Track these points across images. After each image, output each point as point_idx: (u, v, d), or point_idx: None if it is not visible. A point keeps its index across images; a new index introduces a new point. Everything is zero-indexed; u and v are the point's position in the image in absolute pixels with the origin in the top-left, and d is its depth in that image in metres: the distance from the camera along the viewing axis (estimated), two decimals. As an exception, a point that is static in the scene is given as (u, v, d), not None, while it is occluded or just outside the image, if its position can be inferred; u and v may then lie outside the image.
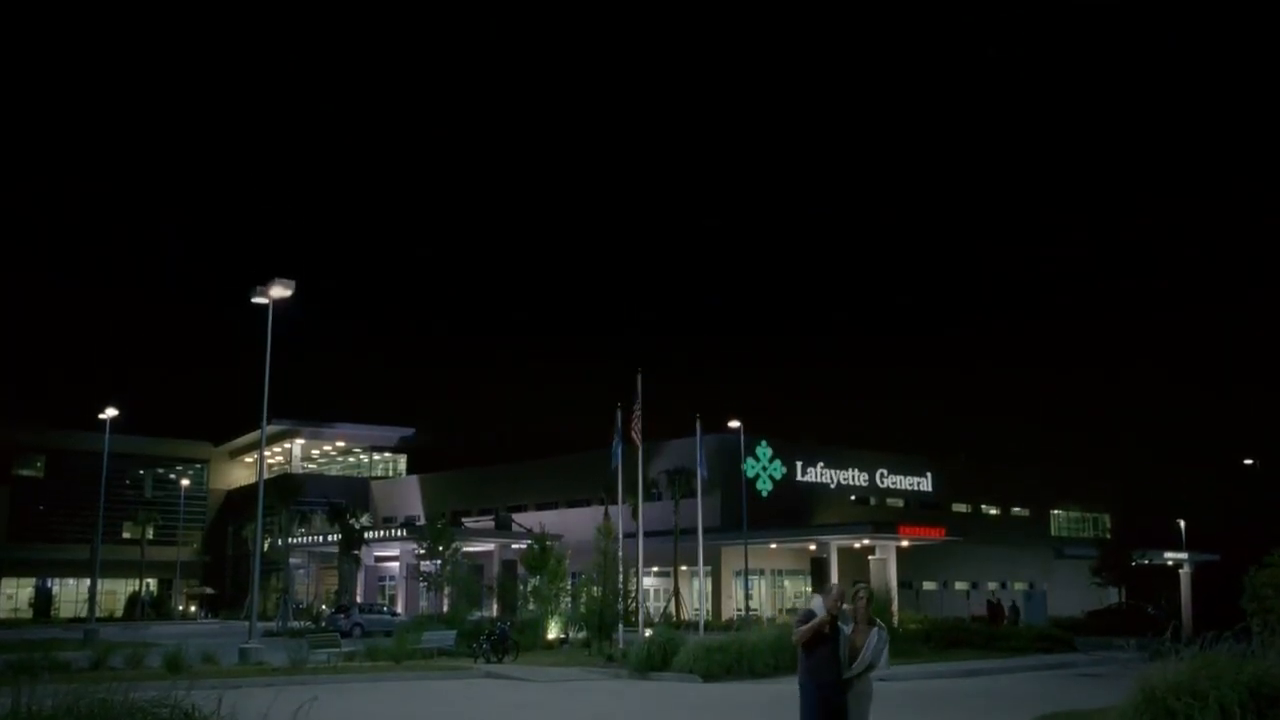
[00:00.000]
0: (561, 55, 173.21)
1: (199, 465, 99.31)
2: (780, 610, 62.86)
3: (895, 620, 41.31)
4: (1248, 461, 79.50)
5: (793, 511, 65.88)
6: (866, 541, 59.73)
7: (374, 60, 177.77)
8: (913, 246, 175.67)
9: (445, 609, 56.10)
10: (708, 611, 56.75)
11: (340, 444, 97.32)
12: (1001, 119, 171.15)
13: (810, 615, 10.63)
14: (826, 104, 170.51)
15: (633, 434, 37.48)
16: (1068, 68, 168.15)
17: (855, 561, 60.45)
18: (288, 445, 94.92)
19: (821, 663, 10.51)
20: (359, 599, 67.59)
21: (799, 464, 68.66)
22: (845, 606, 10.71)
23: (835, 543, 59.86)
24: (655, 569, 61.69)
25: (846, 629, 10.61)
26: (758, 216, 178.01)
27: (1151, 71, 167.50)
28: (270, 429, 68.75)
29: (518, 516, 71.56)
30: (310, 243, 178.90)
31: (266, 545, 71.76)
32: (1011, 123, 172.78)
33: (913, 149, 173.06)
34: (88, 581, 66.71)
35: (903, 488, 74.42)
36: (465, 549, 63.43)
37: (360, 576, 70.75)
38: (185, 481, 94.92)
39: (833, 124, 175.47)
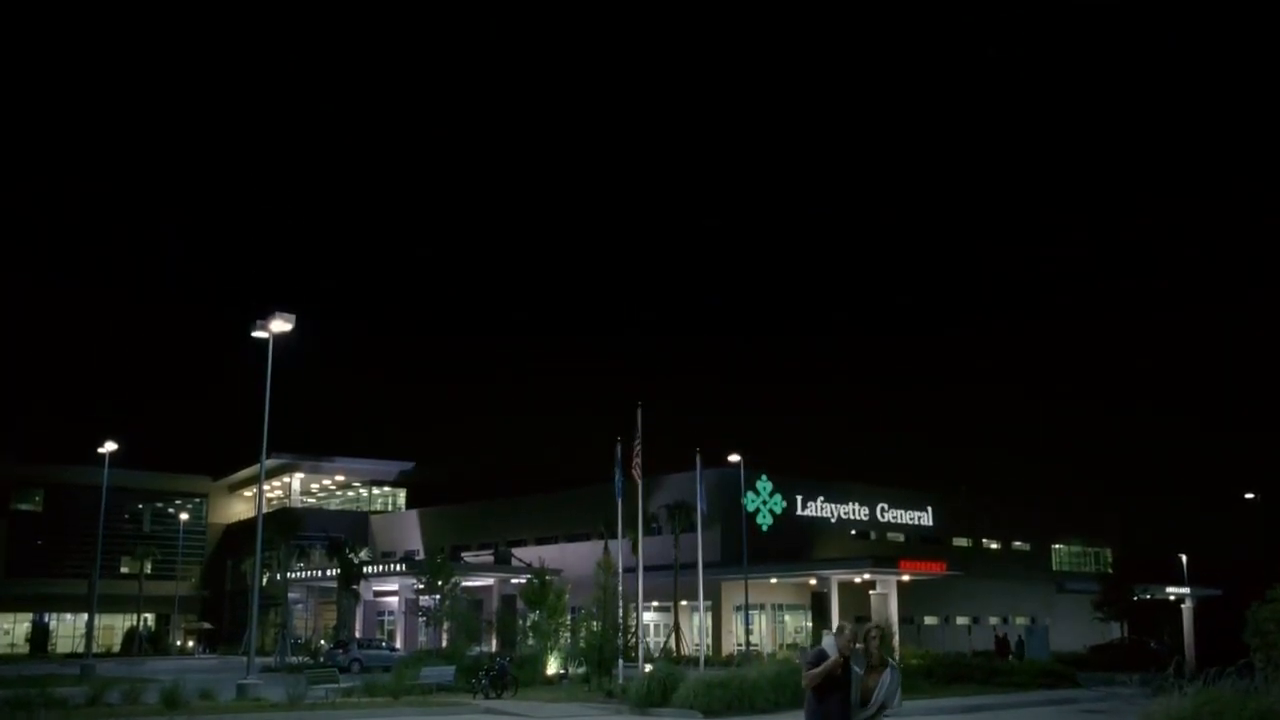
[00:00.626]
0: (561, 57, 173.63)
1: (198, 499, 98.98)
2: (781, 645, 62.54)
3: (897, 655, 41.10)
4: (1249, 495, 79.36)
5: (793, 546, 65.63)
6: (867, 576, 59.48)
7: (374, 63, 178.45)
8: (913, 246, 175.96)
9: (444, 644, 55.78)
10: (708, 647, 56.47)
11: (339, 478, 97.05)
12: (1001, 119, 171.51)
13: (822, 656, 10.37)
14: (826, 104, 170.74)
15: (633, 470, 37.42)
16: (1068, 68, 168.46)
17: (856, 596, 60.18)
18: (287, 479, 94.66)
19: (833, 707, 10.26)
20: (358, 634, 67.25)
21: (799, 498, 68.49)
22: (858, 646, 10.45)
23: (836, 577, 59.62)
24: (655, 604, 61.39)
25: (859, 670, 10.37)
26: (758, 216, 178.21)
27: (1151, 71, 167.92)
28: (269, 463, 68.64)
29: (517, 551, 71.29)
30: (307, 248, 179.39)
31: (265, 580, 71.44)
32: (1011, 123, 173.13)
33: (913, 149, 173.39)
34: (85, 616, 66.37)
35: (903, 522, 74.20)
36: (464, 584, 63.13)
37: (359, 611, 70.41)
38: (184, 516, 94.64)
39: (832, 124, 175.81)
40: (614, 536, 44.82)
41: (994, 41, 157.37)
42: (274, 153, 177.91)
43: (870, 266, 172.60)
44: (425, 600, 58.43)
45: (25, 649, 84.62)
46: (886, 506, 73.28)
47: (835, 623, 56.85)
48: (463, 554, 74.48)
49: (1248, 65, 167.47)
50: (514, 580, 64.98)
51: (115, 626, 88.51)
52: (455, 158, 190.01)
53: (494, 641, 60.24)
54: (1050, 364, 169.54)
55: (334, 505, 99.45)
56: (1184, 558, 75.66)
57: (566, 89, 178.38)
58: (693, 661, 45.60)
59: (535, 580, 42.72)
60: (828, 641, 10.53)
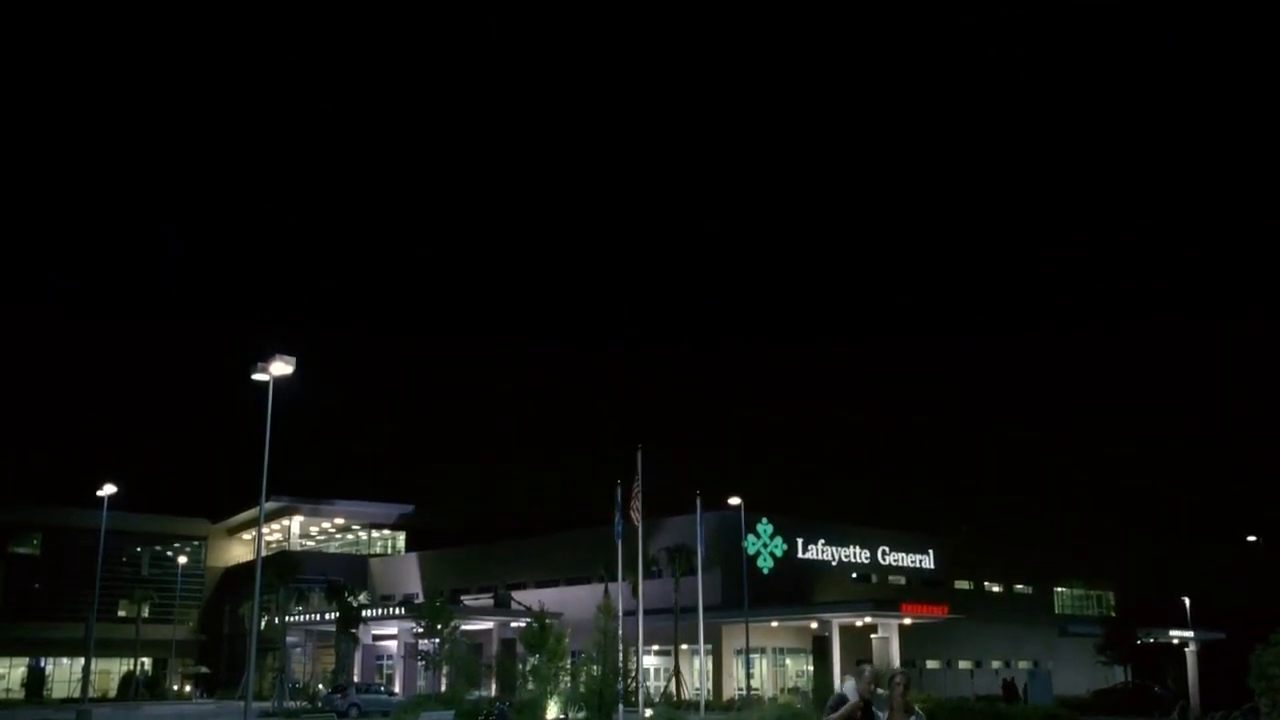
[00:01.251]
0: (558, 63, 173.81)
1: (196, 542, 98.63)
2: (782, 690, 62.12)
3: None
4: (1251, 538, 79.15)
5: (794, 589, 65.38)
6: (868, 619, 59.20)
7: (371, 77, 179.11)
8: (912, 248, 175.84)
9: (443, 688, 55.46)
10: (708, 691, 56.09)
11: (339, 521, 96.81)
12: (1001, 119, 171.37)
13: (842, 701, 10.16)
14: (826, 105, 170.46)
15: (632, 513, 37.36)
16: (1068, 68, 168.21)
17: (857, 640, 59.85)
18: (286, 522, 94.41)
19: None
20: (356, 678, 66.81)
21: (800, 541, 68.24)
22: (880, 691, 10.27)
23: (837, 621, 59.32)
24: (655, 647, 61.07)
25: (882, 716, 10.15)
26: (757, 216, 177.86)
27: (1151, 71, 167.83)
28: (269, 506, 68.33)
29: (517, 594, 71.03)
30: (301, 258, 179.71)
31: (263, 624, 71.08)
32: (1011, 123, 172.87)
33: (913, 149, 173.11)
34: (82, 661, 65.97)
35: (904, 565, 73.86)
36: (464, 627, 62.86)
37: (358, 655, 70.03)
38: (182, 559, 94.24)
39: (833, 124, 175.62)
40: (614, 580, 44.67)
41: (994, 41, 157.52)
42: (272, 160, 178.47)
43: (869, 268, 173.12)
44: (424, 644, 58.11)
45: (20, 694, 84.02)
46: (888, 549, 72.98)
47: (837, 666, 56.55)
48: (462, 597, 74.16)
49: (1248, 65, 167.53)
50: (513, 624, 64.70)
51: (112, 671, 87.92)
52: (451, 166, 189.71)
53: (493, 685, 59.98)
54: (1050, 392, 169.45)
55: (333, 548, 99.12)
56: (1187, 600, 75.35)
57: (563, 97, 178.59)
58: (693, 706, 45.33)
59: (535, 624, 42.54)
60: (848, 685, 10.37)
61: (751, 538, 64.47)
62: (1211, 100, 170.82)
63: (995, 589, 79.71)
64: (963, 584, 77.19)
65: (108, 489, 53.41)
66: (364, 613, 67.93)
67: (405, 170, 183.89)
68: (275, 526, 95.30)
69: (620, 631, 40.15)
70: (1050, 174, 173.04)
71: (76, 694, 71.77)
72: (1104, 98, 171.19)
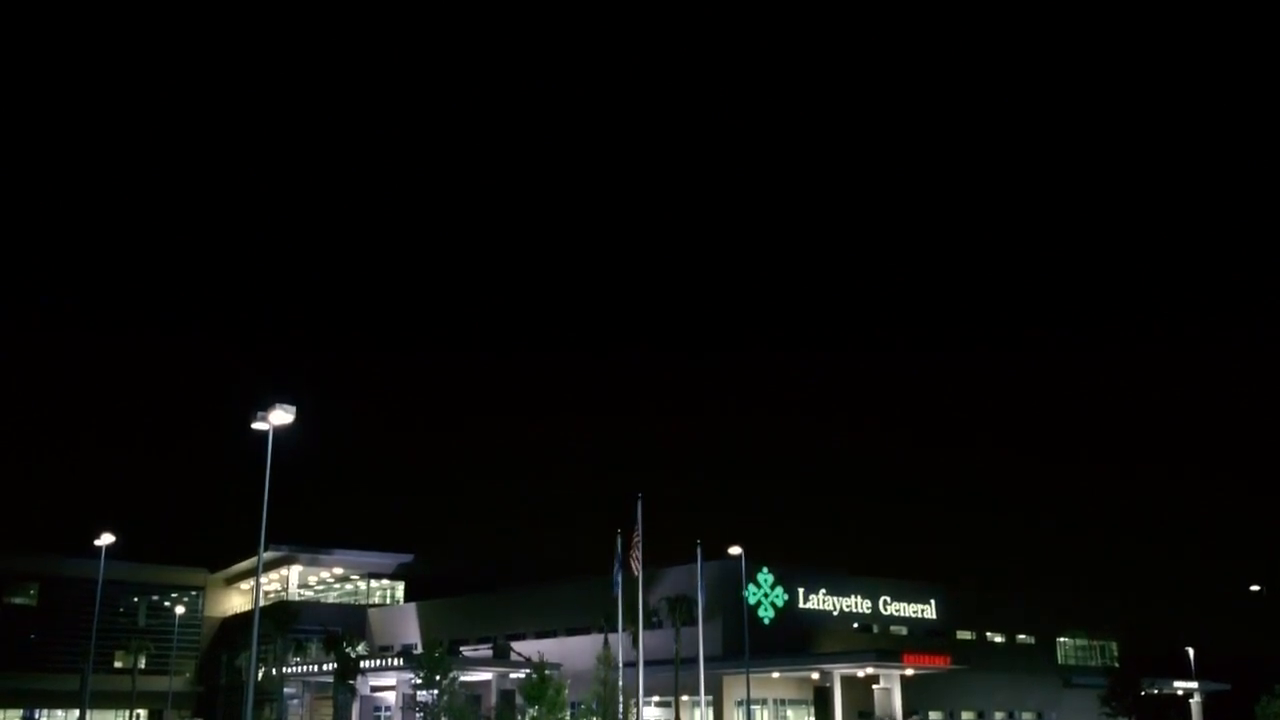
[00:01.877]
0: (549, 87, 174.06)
1: (194, 592, 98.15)
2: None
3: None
4: (1255, 588, 78.75)
5: (795, 639, 64.94)
6: (870, 670, 58.76)
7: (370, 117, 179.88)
8: (911, 254, 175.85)
9: (441, 741, 54.98)
10: (710, 743, 55.60)
11: (338, 570, 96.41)
12: (1002, 118, 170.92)
13: None
14: (826, 113, 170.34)
15: (632, 562, 37.25)
16: (1067, 67, 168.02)
17: (859, 691, 59.40)
18: (285, 572, 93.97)
19: None
20: (353, 730, 66.31)
21: (801, 591, 67.85)
22: None
23: (839, 671, 58.88)
24: (656, 699, 60.54)
25: None
26: (754, 227, 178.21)
27: (1151, 71, 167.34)
28: (267, 555, 68.12)
29: (516, 645, 70.54)
30: (295, 305, 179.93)
31: (261, 675, 70.55)
32: (1011, 122, 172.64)
33: (912, 150, 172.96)
34: (77, 713, 65.42)
35: (906, 615, 73.33)
36: (463, 678, 62.41)
37: (356, 706, 69.46)
38: (180, 609, 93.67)
39: (832, 128, 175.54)
40: (614, 630, 44.40)
41: (994, 42, 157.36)
42: (271, 202, 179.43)
43: (868, 271, 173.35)
44: (423, 695, 57.65)
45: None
46: (889, 599, 72.50)
47: (839, 717, 56.08)
48: (461, 648, 73.63)
49: (1248, 65, 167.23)
50: (513, 675, 64.23)
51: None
52: (445, 202, 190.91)
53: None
54: (1053, 443, 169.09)
55: (332, 598, 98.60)
56: (1191, 651, 74.86)
57: (548, 122, 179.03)
58: (694, 758, 44.92)
59: (534, 675, 42.31)
60: None
61: (752, 587, 64.13)
62: (1211, 100, 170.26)
63: (998, 639, 79.11)
64: (965, 634, 76.63)
65: (105, 538, 53.21)
66: (362, 663, 67.46)
67: (396, 213, 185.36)
68: (274, 576, 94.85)
69: (620, 682, 39.88)
70: (1050, 173, 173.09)
71: (71, 746, 71.17)
72: (1103, 97, 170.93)
